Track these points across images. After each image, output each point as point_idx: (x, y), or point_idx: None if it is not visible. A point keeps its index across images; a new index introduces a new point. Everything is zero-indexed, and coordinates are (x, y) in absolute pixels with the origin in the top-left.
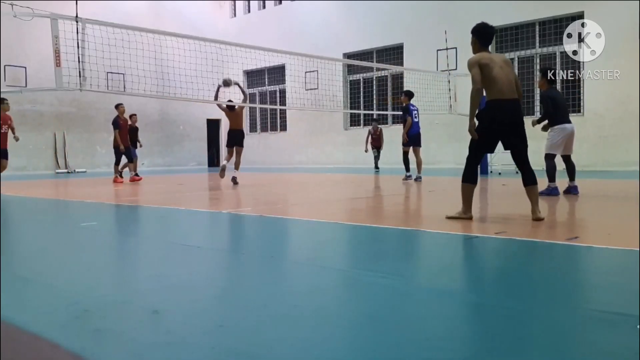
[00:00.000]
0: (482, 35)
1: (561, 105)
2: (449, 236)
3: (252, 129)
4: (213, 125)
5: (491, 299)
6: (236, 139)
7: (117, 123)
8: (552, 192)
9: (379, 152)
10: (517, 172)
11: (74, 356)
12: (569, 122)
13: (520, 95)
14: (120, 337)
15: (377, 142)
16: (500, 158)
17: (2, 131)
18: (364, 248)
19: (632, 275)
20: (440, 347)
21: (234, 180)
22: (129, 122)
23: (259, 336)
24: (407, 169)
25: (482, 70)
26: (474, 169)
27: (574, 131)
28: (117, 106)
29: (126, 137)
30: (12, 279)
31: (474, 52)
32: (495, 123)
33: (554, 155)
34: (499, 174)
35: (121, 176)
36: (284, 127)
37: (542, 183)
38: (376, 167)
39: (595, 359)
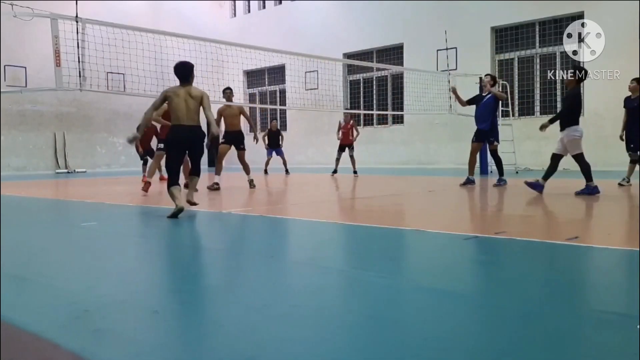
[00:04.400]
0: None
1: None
2: (448, 236)
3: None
4: None
5: (491, 298)
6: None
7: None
8: (592, 191)
9: (343, 151)
10: (517, 172)
11: (74, 356)
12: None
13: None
14: (120, 337)
15: (346, 140)
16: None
17: None
18: (364, 248)
19: (632, 275)
20: (439, 347)
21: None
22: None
23: (259, 336)
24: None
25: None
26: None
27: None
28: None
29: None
30: (13, 279)
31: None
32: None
33: (583, 153)
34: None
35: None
36: (284, 127)
37: (577, 183)
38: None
39: (595, 359)
